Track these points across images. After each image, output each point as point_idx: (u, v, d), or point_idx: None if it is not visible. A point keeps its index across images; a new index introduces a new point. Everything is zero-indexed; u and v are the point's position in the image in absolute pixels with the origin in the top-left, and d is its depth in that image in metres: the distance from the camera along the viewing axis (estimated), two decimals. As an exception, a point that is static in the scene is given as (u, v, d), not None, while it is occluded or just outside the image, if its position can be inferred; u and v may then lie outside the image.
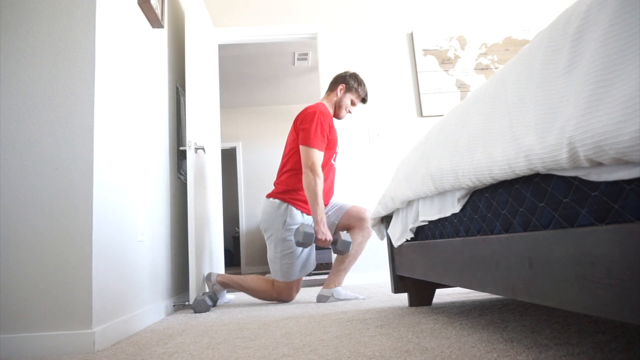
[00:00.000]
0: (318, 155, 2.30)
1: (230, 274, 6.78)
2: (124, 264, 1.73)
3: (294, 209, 2.39)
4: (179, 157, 2.80)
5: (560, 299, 0.71)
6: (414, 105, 3.77)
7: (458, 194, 1.13)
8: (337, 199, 2.68)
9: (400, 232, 1.73)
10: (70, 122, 1.52)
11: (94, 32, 1.58)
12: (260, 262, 6.84)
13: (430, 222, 1.45)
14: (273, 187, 2.50)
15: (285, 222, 2.38)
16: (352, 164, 3.65)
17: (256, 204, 6.90)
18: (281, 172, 2.50)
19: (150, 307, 2.00)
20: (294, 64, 5.84)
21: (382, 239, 2.11)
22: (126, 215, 1.79)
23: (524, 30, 3.96)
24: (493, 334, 1.23)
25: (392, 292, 1.99)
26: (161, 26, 2.39)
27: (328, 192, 2.50)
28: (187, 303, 2.54)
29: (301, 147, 2.33)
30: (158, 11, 2.31)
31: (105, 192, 1.59)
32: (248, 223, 6.87)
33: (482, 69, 3.85)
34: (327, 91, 2.60)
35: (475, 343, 1.13)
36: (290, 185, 2.41)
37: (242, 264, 6.82)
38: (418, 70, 3.79)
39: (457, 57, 3.85)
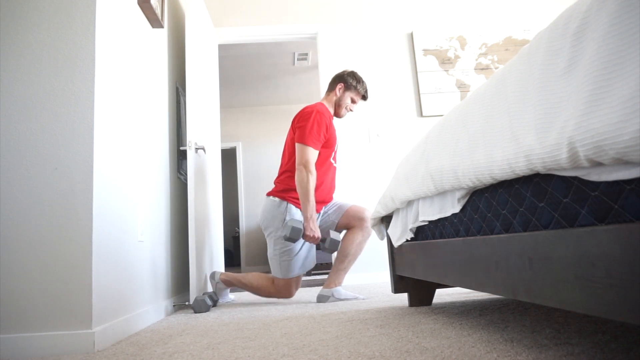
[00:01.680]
0: (312, 153, 2.34)
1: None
2: (124, 264, 1.73)
3: (293, 207, 2.41)
4: (179, 157, 2.80)
5: (560, 299, 0.71)
6: (414, 105, 3.77)
7: (458, 194, 1.13)
8: (337, 198, 2.68)
9: (400, 232, 1.73)
10: (70, 122, 1.52)
11: (94, 32, 1.58)
12: (260, 262, 6.85)
13: (430, 222, 1.45)
14: (273, 186, 2.52)
15: (284, 220, 2.39)
16: (352, 164, 3.65)
17: (256, 204, 6.90)
18: (281, 171, 2.52)
19: (150, 307, 2.00)
20: (294, 64, 5.84)
21: (382, 239, 2.11)
22: (126, 215, 1.79)
23: (524, 30, 3.96)
24: (493, 334, 1.23)
25: (392, 292, 1.99)
26: (161, 26, 2.39)
27: (329, 192, 2.51)
28: (187, 303, 2.54)
29: (297, 145, 2.37)
30: (158, 11, 2.31)
31: (105, 192, 1.59)
32: (248, 223, 6.87)
33: (482, 69, 3.85)
34: (326, 91, 2.62)
35: (475, 343, 1.13)
36: (289, 185, 2.43)
37: (242, 264, 6.82)
38: (418, 70, 3.79)
39: (457, 57, 3.85)
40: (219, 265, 3.09)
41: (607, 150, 0.56)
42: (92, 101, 1.54)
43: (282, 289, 2.44)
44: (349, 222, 2.48)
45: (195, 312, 2.26)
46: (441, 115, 3.73)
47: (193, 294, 2.35)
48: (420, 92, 3.76)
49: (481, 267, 1.01)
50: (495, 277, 0.94)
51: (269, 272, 6.84)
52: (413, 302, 1.94)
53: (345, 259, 2.43)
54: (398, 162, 3.67)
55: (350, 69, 2.63)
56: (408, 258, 1.72)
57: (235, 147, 7.07)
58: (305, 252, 2.43)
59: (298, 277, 2.44)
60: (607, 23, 0.59)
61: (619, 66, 0.56)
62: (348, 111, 2.59)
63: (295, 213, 2.41)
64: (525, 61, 0.81)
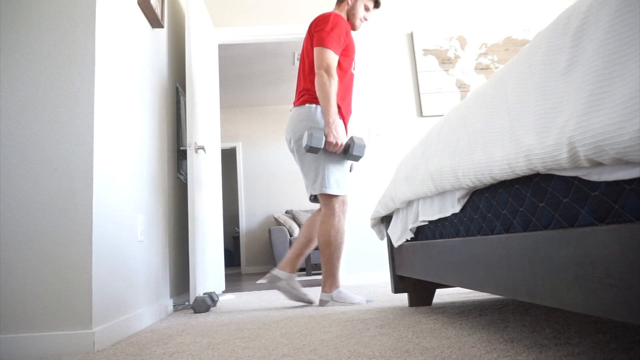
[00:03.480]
0: (333, 57, 2.19)
1: (230, 274, 6.77)
2: (124, 264, 1.73)
3: None
4: (179, 157, 2.80)
5: (560, 299, 0.71)
6: (414, 105, 3.77)
7: (458, 194, 1.13)
8: None
9: (400, 232, 1.73)
10: (70, 122, 1.52)
11: (94, 32, 1.58)
12: (261, 262, 6.85)
13: (430, 222, 1.45)
14: (300, 96, 2.30)
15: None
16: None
17: (256, 204, 6.90)
18: (303, 82, 2.32)
19: (150, 307, 2.00)
20: (294, 64, 5.84)
21: (382, 239, 2.11)
22: (126, 215, 1.79)
23: (524, 30, 3.96)
24: (493, 334, 1.23)
25: (392, 292, 1.99)
26: (161, 26, 2.39)
27: (349, 101, 2.36)
28: (187, 303, 2.54)
29: (315, 49, 2.21)
30: (158, 11, 2.31)
31: (105, 192, 1.59)
32: (248, 223, 6.87)
33: (482, 69, 3.85)
34: (337, 3, 2.42)
35: (475, 343, 1.13)
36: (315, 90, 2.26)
37: (242, 264, 6.82)
38: (418, 70, 3.79)
39: (457, 57, 3.85)
40: (219, 265, 3.09)
41: (607, 150, 0.56)
42: (92, 101, 1.54)
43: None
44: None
45: (195, 312, 2.26)
46: (441, 115, 3.73)
47: (193, 294, 2.35)
48: (420, 92, 3.76)
49: (481, 267, 1.01)
50: (495, 277, 0.94)
51: (270, 270, 6.85)
52: (413, 302, 1.94)
53: (329, 252, 2.20)
54: (398, 162, 3.67)
55: None
56: (408, 258, 1.72)
57: (235, 147, 7.07)
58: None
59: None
60: (607, 23, 0.59)
61: (619, 66, 0.56)
62: (363, 22, 2.42)
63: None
64: (525, 61, 0.81)
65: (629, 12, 0.56)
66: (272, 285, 2.29)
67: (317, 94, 2.16)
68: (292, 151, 2.33)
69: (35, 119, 1.51)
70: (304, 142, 2.10)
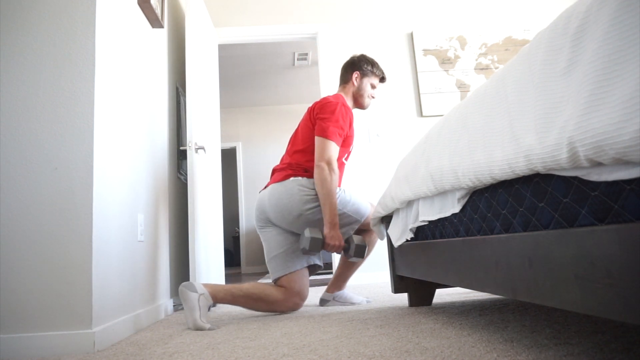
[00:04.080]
0: (335, 150, 2.06)
1: (230, 274, 6.77)
2: (124, 264, 1.73)
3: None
4: (179, 157, 2.80)
5: (560, 299, 0.71)
6: (414, 105, 3.77)
7: (458, 194, 1.13)
8: (347, 188, 2.46)
9: (400, 232, 1.73)
10: (71, 122, 1.52)
11: (94, 32, 1.58)
12: (261, 262, 6.84)
13: (430, 222, 1.45)
14: (286, 170, 2.13)
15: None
16: (352, 164, 3.65)
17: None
18: (292, 155, 2.18)
19: (150, 307, 2.00)
20: (294, 64, 5.84)
21: (382, 239, 2.10)
22: (126, 215, 1.79)
23: (524, 30, 3.96)
24: (493, 334, 1.23)
25: (392, 292, 1.98)
26: (161, 26, 2.39)
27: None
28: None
29: (317, 139, 2.06)
30: (158, 11, 2.31)
31: (105, 192, 1.59)
32: (248, 223, 6.87)
33: (482, 69, 3.85)
34: (340, 84, 2.34)
35: (475, 343, 1.13)
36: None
37: (242, 264, 6.82)
38: (418, 70, 3.79)
39: (457, 57, 3.85)
40: (219, 265, 3.09)
41: (607, 150, 0.56)
42: (92, 101, 1.54)
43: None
44: (365, 225, 2.22)
45: (195, 312, 2.26)
46: (441, 115, 3.73)
47: (193, 294, 2.34)
48: (420, 92, 3.76)
49: (481, 267, 1.01)
50: (495, 277, 0.94)
51: (268, 272, 6.84)
52: (413, 302, 1.94)
53: (356, 265, 2.23)
54: (398, 162, 3.67)
55: (358, 54, 2.37)
56: (408, 258, 1.72)
57: (235, 147, 7.08)
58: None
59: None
60: (607, 23, 0.59)
61: (619, 66, 0.56)
62: (371, 99, 2.33)
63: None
64: (525, 61, 0.81)
65: (629, 12, 0.56)
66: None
67: (317, 189, 2.01)
68: (265, 227, 2.15)
69: (35, 119, 1.51)
70: (302, 245, 1.97)
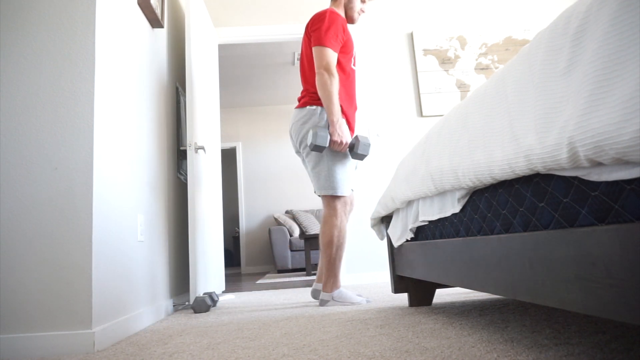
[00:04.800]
0: (332, 55, 2.17)
1: (230, 274, 6.77)
2: (124, 264, 1.73)
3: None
4: (179, 157, 2.80)
5: (560, 299, 0.71)
6: (414, 105, 3.77)
7: (458, 194, 1.13)
8: None
9: (400, 232, 1.73)
10: (71, 121, 1.52)
11: (94, 32, 1.58)
12: (260, 262, 6.84)
13: (430, 222, 1.45)
14: (301, 98, 2.31)
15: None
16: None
17: (256, 204, 6.90)
18: (307, 80, 2.31)
19: (150, 307, 2.00)
20: (294, 64, 5.84)
21: (382, 239, 2.10)
22: (126, 215, 1.79)
23: (524, 30, 3.96)
24: (493, 334, 1.23)
25: (392, 292, 1.98)
26: (161, 26, 2.39)
27: (351, 100, 2.33)
28: (187, 303, 2.54)
29: (314, 49, 2.19)
30: (158, 11, 2.31)
31: (105, 192, 1.59)
32: (248, 223, 6.87)
33: (482, 69, 3.85)
34: None
35: (475, 343, 1.13)
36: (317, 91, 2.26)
37: (242, 264, 6.82)
38: (418, 70, 3.79)
39: (457, 57, 3.85)
40: (219, 265, 3.09)
41: (607, 150, 0.56)
42: (92, 101, 1.54)
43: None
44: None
45: (195, 312, 2.26)
46: (441, 115, 3.73)
47: (193, 294, 2.35)
48: (420, 92, 3.76)
49: (481, 267, 1.01)
50: (495, 277, 0.94)
51: (270, 270, 6.84)
52: (413, 302, 1.94)
53: (331, 252, 2.20)
54: (398, 162, 3.67)
55: None
56: (408, 258, 1.72)
57: (235, 147, 7.07)
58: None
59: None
60: (607, 23, 0.59)
61: (619, 66, 0.56)
62: (361, 14, 2.41)
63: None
64: (525, 61, 0.81)
65: (629, 12, 0.56)
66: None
67: (319, 93, 2.15)
68: (297, 152, 2.35)
69: (35, 119, 1.51)
70: (309, 140, 2.10)
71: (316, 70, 2.17)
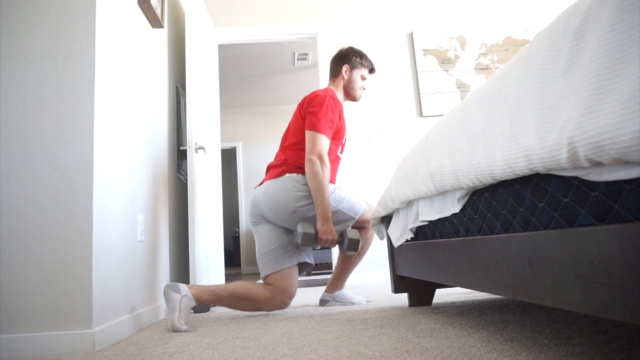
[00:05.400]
0: (326, 143, 2.05)
1: (230, 274, 6.77)
2: (124, 264, 1.73)
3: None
4: (179, 157, 2.80)
5: (560, 299, 0.71)
6: (414, 105, 3.78)
7: (458, 194, 1.13)
8: (342, 185, 2.46)
9: (400, 232, 1.73)
10: (71, 121, 1.52)
11: (94, 32, 1.58)
12: (260, 262, 6.84)
13: (430, 222, 1.45)
14: (281, 167, 2.12)
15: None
16: (352, 164, 3.65)
17: (256, 204, 6.88)
18: (285, 151, 2.17)
19: (150, 307, 2.00)
20: (294, 64, 5.84)
21: (382, 239, 2.10)
22: (126, 215, 1.79)
23: (524, 30, 3.96)
24: (493, 334, 1.23)
25: (392, 292, 1.98)
26: (161, 26, 2.39)
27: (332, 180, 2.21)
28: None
29: (307, 133, 2.06)
30: (158, 11, 2.31)
31: (105, 192, 1.59)
32: (248, 223, 6.87)
33: (482, 69, 3.85)
34: (331, 77, 2.34)
35: (475, 343, 1.13)
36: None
37: (242, 264, 6.82)
38: (418, 70, 3.79)
39: (457, 57, 3.85)
40: (219, 265, 3.09)
41: (607, 150, 0.56)
42: (92, 101, 1.54)
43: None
44: (360, 222, 2.23)
45: (195, 312, 2.26)
46: (441, 115, 3.73)
47: (193, 294, 2.34)
48: (420, 92, 3.76)
49: (481, 267, 1.01)
50: (495, 277, 0.94)
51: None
52: (413, 302, 1.94)
53: (353, 263, 2.23)
54: (398, 162, 3.67)
55: (346, 46, 2.38)
56: (408, 258, 1.72)
57: (235, 147, 7.08)
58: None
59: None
60: (607, 23, 0.59)
61: (619, 66, 0.56)
62: (362, 91, 2.34)
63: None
64: (525, 61, 0.81)
65: (629, 12, 0.56)
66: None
67: (309, 182, 2.00)
68: (258, 223, 2.13)
69: (35, 118, 1.51)
70: (296, 240, 1.96)
71: (307, 156, 2.02)
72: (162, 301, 2.21)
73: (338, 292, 2.25)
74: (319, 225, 1.99)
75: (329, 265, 5.25)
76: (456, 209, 1.17)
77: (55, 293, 1.42)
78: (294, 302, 2.48)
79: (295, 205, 2.02)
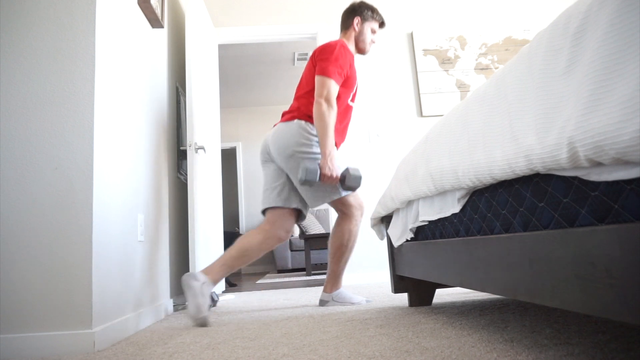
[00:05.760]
0: (334, 87, 2.14)
1: (230, 273, 6.77)
2: (124, 264, 1.73)
3: None
4: (179, 157, 2.80)
5: (560, 299, 0.71)
6: (414, 105, 3.77)
7: (458, 194, 1.13)
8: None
9: (400, 232, 1.73)
10: (71, 121, 1.52)
11: (94, 32, 1.58)
12: (260, 262, 6.84)
13: (430, 222, 1.45)
14: (289, 113, 2.24)
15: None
16: (352, 164, 3.65)
17: (256, 204, 6.89)
18: (299, 99, 2.26)
19: (150, 307, 2.00)
20: (294, 64, 5.84)
21: (382, 239, 2.10)
22: (126, 215, 1.79)
23: (524, 30, 3.96)
24: (493, 334, 1.23)
25: (392, 292, 1.99)
26: (161, 26, 2.39)
27: (342, 133, 2.32)
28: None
29: (317, 77, 2.16)
30: (158, 11, 2.31)
31: (106, 192, 1.59)
32: (248, 223, 6.87)
33: (482, 69, 3.85)
34: (342, 30, 2.41)
35: (475, 343, 1.13)
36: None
37: (242, 264, 6.81)
38: (418, 70, 3.79)
39: (457, 57, 3.85)
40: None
41: (607, 150, 0.56)
42: (92, 101, 1.54)
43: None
44: (346, 206, 2.22)
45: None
46: (441, 115, 3.73)
47: (193, 294, 2.34)
48: (420, 92, 3.76)
49: (481, 267, 1.01)
50: (495, 277, 0.94)
51: (270, 270, 6.84)
52: (413, 302, 1.94)
53: (343, 257, 2.24)
54: (398, 162, 3.67)
55: (358, 0, 2.42)
56: (408, 258, 1.72)
57: (235, 147, 7.07)
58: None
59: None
60: (607, 23, 0.59)
61: (619, 66, 0.56)
62: (372, 44, 2.41)
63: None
64: (525, 61, 0.81)
65: (629, 12, 0.56)
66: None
67: (315, 122, 2.11)
68: (266, 161, 2.27)
69: (36, 119, 1.51)
70: (300, 175, 2.03)
71: (316, 99, 2.12)
72: (162, 301, 2.22)
73: (337, 292, 2.25)
74: (321, 162, 2.08)
75: (324, 267, 5.26)
76: (456, 209, 1.17)
77: (55, 293, 1.42)
78: (294, 302, 2.48)
79: (293, 149, 2.14)
